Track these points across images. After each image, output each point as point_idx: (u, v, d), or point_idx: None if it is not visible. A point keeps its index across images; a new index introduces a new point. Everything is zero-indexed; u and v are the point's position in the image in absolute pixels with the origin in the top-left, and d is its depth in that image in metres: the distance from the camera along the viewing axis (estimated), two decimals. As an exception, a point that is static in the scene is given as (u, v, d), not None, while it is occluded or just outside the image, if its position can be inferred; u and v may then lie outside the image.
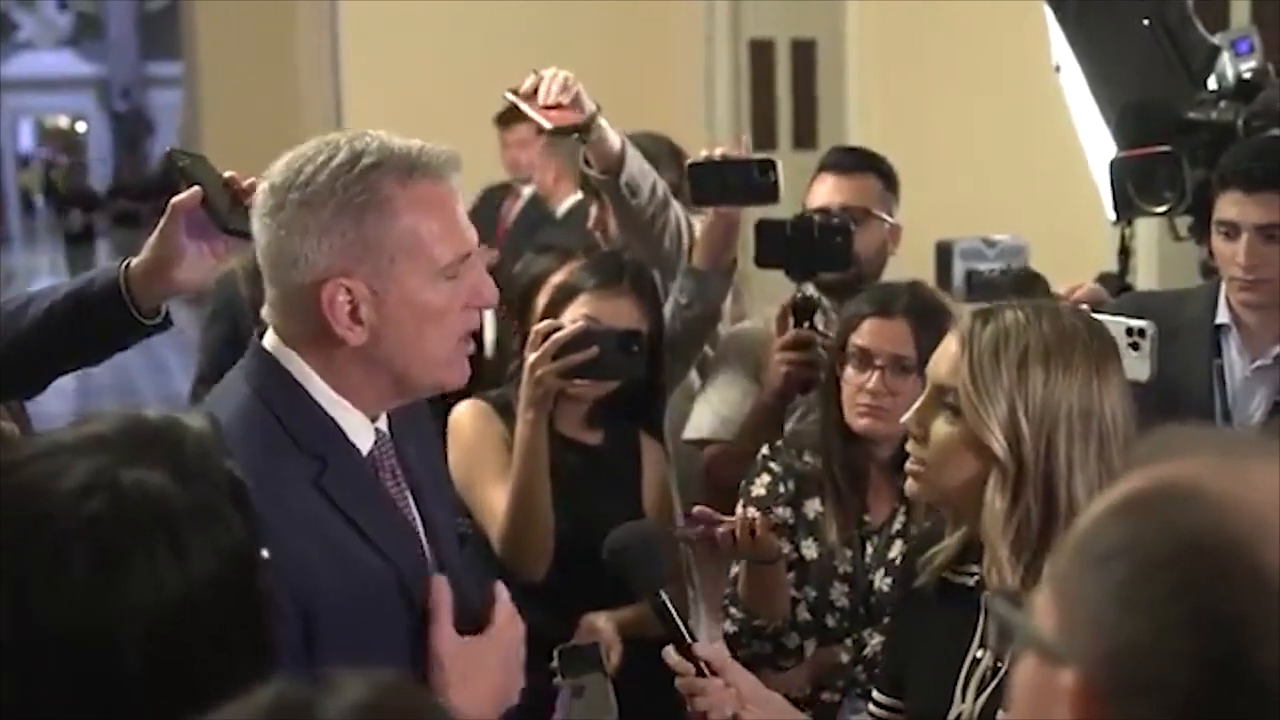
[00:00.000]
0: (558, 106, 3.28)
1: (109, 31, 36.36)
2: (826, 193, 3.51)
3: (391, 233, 1.98)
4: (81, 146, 37.77)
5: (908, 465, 2.22)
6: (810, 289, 3.31)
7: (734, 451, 3.34)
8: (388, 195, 1.98)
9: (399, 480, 2.13)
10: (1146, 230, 4.76)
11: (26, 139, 39.88)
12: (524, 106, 3.32)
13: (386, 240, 1.98)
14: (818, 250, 3.31)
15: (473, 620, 2.14)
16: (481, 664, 2.03)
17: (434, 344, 2.04)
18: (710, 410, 3.52)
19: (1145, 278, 5.02)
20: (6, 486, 1.26)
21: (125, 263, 2.54)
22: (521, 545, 3.00)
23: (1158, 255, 5.23)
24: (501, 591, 2.12)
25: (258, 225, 2.04)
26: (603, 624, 2.97)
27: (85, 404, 10.52)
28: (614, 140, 3.38)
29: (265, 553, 1.33)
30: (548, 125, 3.32)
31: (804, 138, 8.31)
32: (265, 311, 2.09)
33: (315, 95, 8.91)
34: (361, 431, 2.07)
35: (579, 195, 5.29)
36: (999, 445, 2.08)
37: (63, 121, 39.41)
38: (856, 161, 3.60)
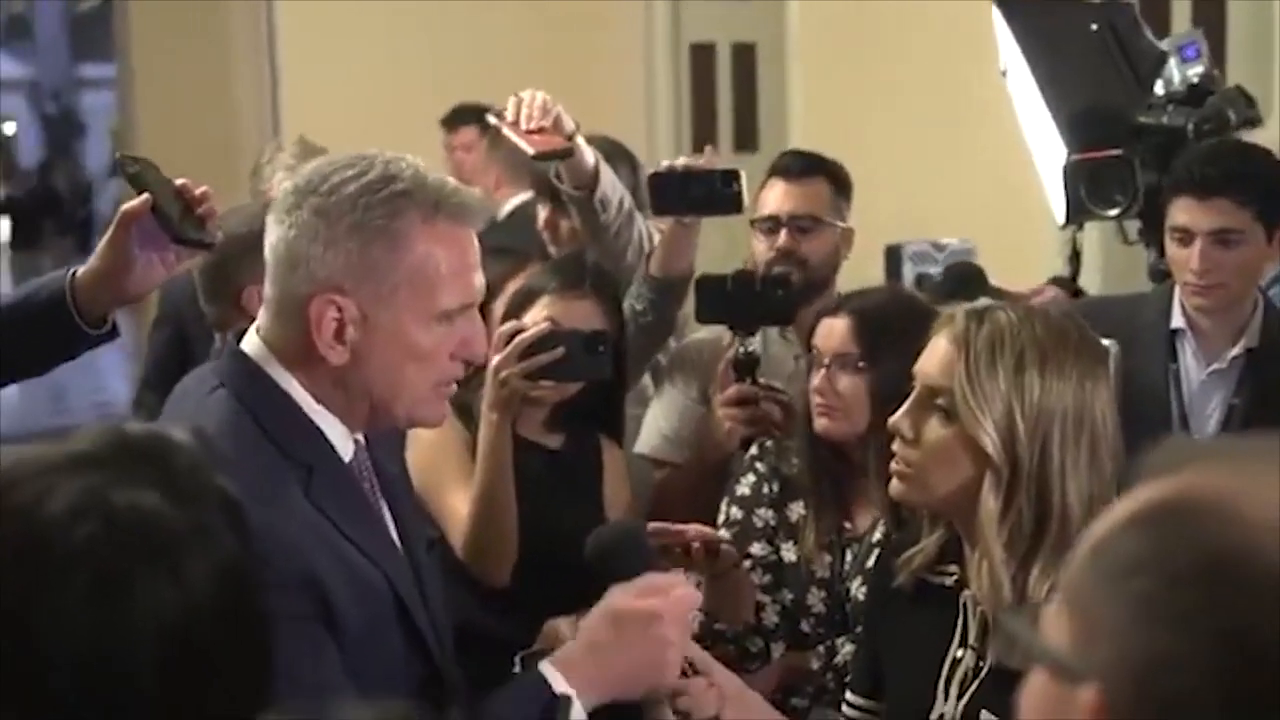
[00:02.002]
0: (539, 130, 3.27)
1: (38, 32, 35.96)
2: (776, 199, 3.51)
3: (399, 264, 1.96)
4: (10, 149, 37.33)
5: (893, 466, 2.21)
6: (752, 344, 3.28)
7: (680, 486, 3.35)
8: (406, 226, 1.96)
9: (375, 489, 2.12)
10: (1094, 234, 4.79)
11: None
12: (508, 132, 3.33)
13: (391, 269, 1.96)
14: (760, 303, 3.27)
15: (442, 631, 2.13)
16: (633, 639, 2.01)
17: (412, 382, 2.02)
18: (656, 427, 3.52)
19: (1090, 281, 5.06)
20: None
21: (72, 271, 2.50)
22: (485, 549, 2.98)
23: (1104, 259, 5.27)
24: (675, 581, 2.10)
25: (272, 221, 2.02)
26: (565, 629, 2.96)
27: (24, 407, 10.40)
28: (590, 159, 3.41)
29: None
30: (531, 151, 3.32)
31: (745, 141, 8.31)
32: (260, 313, 2.06)
33: (252, 97, 8.82)
34: (342, 440, 2.06)
35: (522, 196, 5.29)
36: (994, 447, 2.09)
37: (-10, 124, 38.96)
38: (806, 166, 3.60)
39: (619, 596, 2.05)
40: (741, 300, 3.26)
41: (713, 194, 3.29)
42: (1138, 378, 3.28)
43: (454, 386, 2.09)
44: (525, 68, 8.07)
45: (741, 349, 3.26)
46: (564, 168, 3.42)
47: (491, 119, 3.40)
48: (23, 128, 36.42)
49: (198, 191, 2.43)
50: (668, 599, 2.04)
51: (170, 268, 2.49)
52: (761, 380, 3.24)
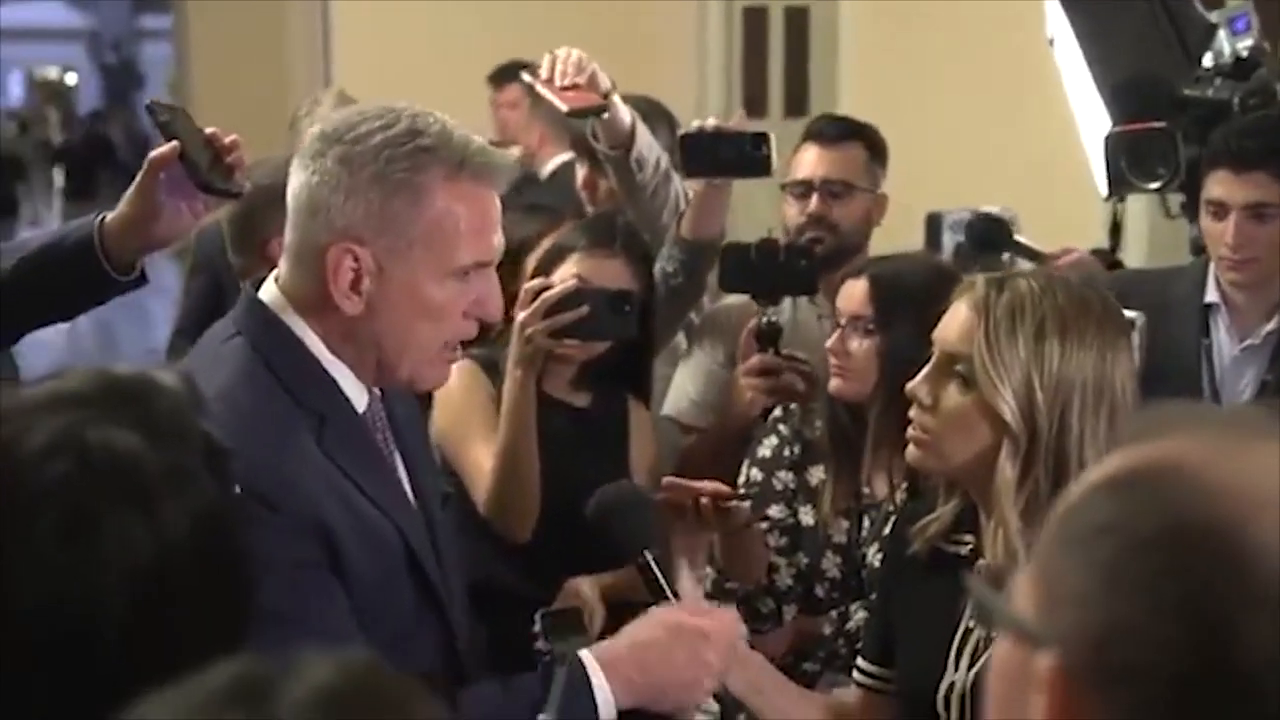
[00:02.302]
0: (574, 87, 3.26)
1: (99, -17, 36.14)
2: (810, 163, 3.49)
3: (418, 218, 1.96)
4: (71, 99, 37.55)
5: (910, 432, 2.20)
6: (775, 314, 3.26)
7: (704, 451, 3.33)
8: (428, 181, 1.96)
9: (389, 442, 2.13)
10: (1138, 207, 4.75)
11: (17, 90, 39.60)
12: (541, 89, 3.32)
13: (411, 223, 1.96)
14: (783, 273, 3.25)
15: (454, 583, 2.14)
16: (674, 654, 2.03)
17: (423, 339, 2.02)
18: (683, 391, 3.51)
19: (1136, 255, 5.01)
20: None
21: (101, 217, 2.51)
22: (507, 506, 2.98)
23: (1149, 232, 5.22)
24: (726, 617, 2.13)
25: (297, 166, 2.01)
26: (586, 588, 2.96)
27: (73, 358, 10.48)
28: (626, 117, 3.38)
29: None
30: (565, 108, 3.31)
31: (795, 105, 8.27)
32: (281, 260, 2.06)
33: (304, 51, 8.84)
34: (356, 391, 2.06)
35: (564, 156, 5.27)
36: (1012, 416, 2.08)
37: (52, 73, 39.14)
38: (841, 131, 3.57)
39: (674, 610, 2.08)
40: (765, 269, 3.24)
41: (742, 156, 3.27)
42: (1170, 352, 3.25)
43: (459, 350, 2.09)
44: (576, 28, 8.05)
45: (764, 318, 3.24)
46: (600, 126, 3.40)
47: (526, 76, 3.39)
48: (83, 78, 36.63)
49: (227, 140, 2.43)
50: (720, 626, 2.07)
51: (198, 215, 2.50)
52: (785, 351, 3.22)
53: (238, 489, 1.72)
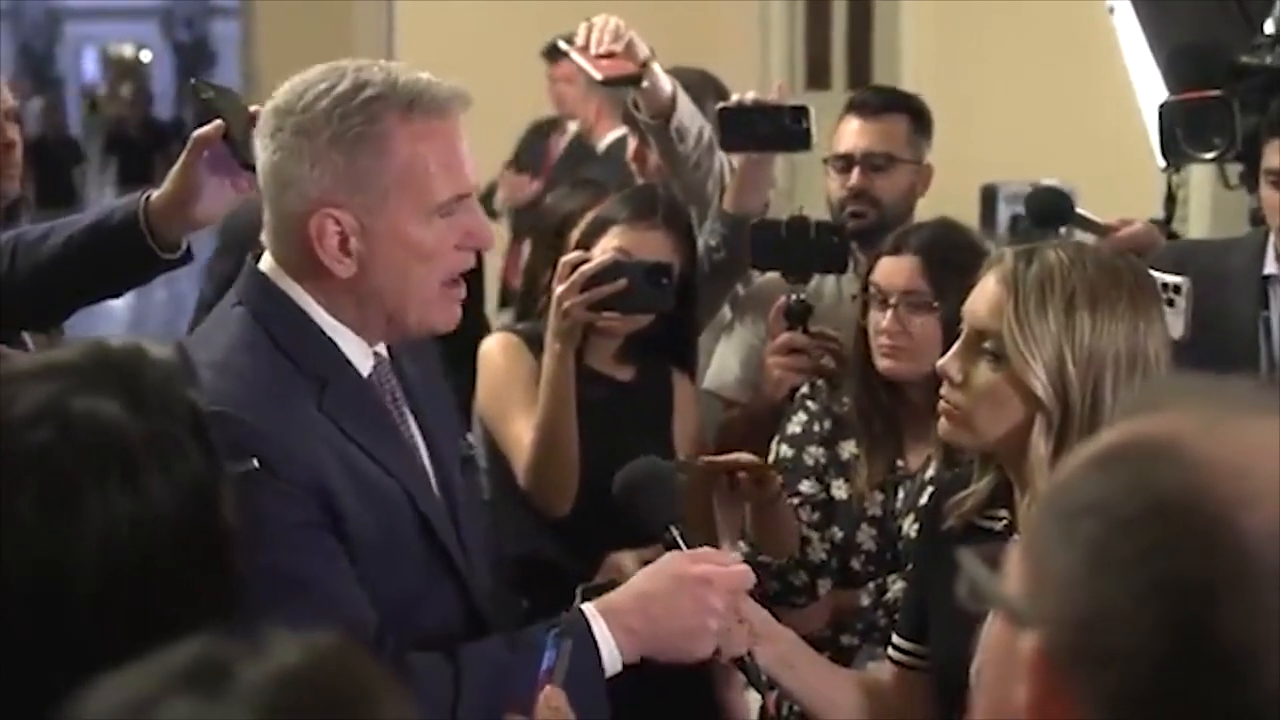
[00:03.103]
0: (610, 55, 3.23)
1: (172, -39, 36.42)
2: (850, 136, 3.44)
3: (386, 168, 1.96)
4: (145, 76, 37.89)
5: (941, 406, 2.16)
6: (804, 292, 3.22)
7: (740, 427, 3.29)
8: (386, 128, 1.95)
9: (400, 405, 2.12)
10: (1200, 177, 4.67)
11: (91, 68, 39.99)
12: (576, 57, 3.29)
13: (380, 174, 1.96)
14: (814, 251, 3.19)
15: (472, 545, 2.14)
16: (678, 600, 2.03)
17: (422, 282, 2.01)
18: (725, 365, 3.48)
19: (1198, 226, 4.94)
20: None
21: (146, 195, 2.53)
22: (546, 479, 2.98)
23: (1211, 203, 5.14)
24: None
25: (258, 145, 2.02)
26: (628, 562, 2.94)
27: (135, 326, 10.55)
28: (665, 86, 3.35)
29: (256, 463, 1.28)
30: (599, 76, 3.29)
31: (859, 78, 8.21)
32: (263, 236, 2.07)
33: (368, 28, 8.90)
34: (360, 354, 2.06)
35: (620, 130, 5.25)
36: (1044, 390, 2.04)
37: (127, 51, 39.49)
38: (884, 102, 3.53)
39: (678, 558, 2.07)
40: (795, 247, 3.19)
41: (781, 130, 3.23)
42: (1226, 323, 3.19)
43: (461, 287, 2.07)
44: (639, 5, 8.03)
45: (794, 296, 3.20)
46: (640, 96, 3.37)
47: (562, 43, 3.36)
48: (156, 55, 36.94)
49: None
50: (724, 570, 2.05)
51: (242, 192, 2.51)
52: (813, 328, 3.18)
53: (255, 464, 1.72)
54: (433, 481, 2.11)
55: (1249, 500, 0.87)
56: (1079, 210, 3.82)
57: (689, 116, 3.40)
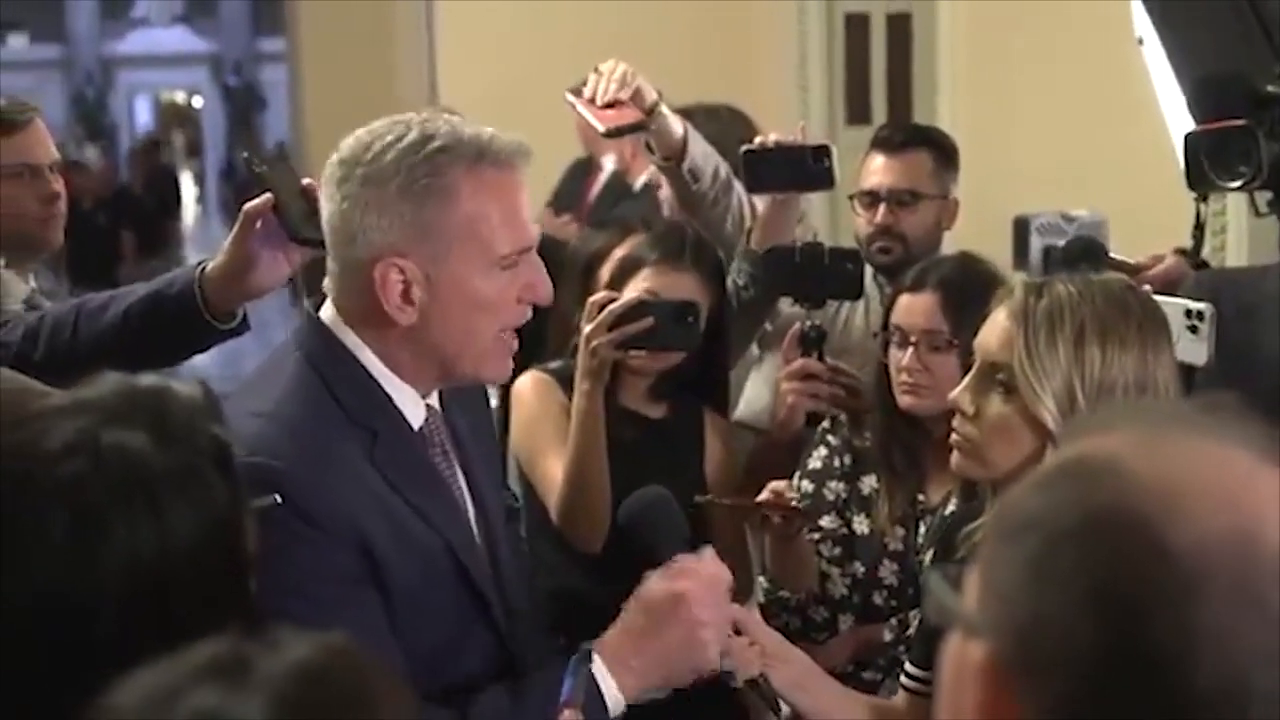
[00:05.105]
0: (614, 104, 3.26)
1: (221, 8, 36.80)
2: (876, 172, 3.48)
3: (452, 219, 1.99)
4: (197, 122, 38.24)
5: (953, 439, 2.20)
6: (818, 319, 3.25)
7: (766, 456, 3.32)
8: (452, 181, 1.98)
9: (449, 457, 2.16)
10: (1236, 205, 4.68)
11: (145, 116, 40.39)
12: (581, 109, 3.31)
13: (446, 226, 1.99)
14: (828, 277, 3.23)
15: (512, 595, 2.17)
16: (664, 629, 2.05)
17: (480, 333, 2.05)
18: (756, 395, 3.51)
19: (1236, 254, 4.94)
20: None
21: (201, 266, 2.57)
22: (578, 516, 3.01)
23: (1249, 231, 5.14)
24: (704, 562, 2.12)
25: (323, 195, 2.06)
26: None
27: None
28: (675, 129, 3.38)
29: (278, 499, 1.32)
30: (602, 129, 3.32)
31: (899, 111, 8.24)
32: (325, 283, 2.11)
33: (411, 72, 9.00)
34: (412, 406, 2.09)
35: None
36: (1055, 422, 2.06)
37: (179, 97, 39.87)
38: (906, 137, 3.56)
39: (652, 584, 2.09)
40: (809, 273, 3.23)
41: (804, 170, 3.27)
42: (1259, 352, 3.18)
43: (515, 340, 2.11)
44: (676, 41, 8.08)
45: (809, 323, 3.23)
46: (653, 138, 3.41)
47: (568, 95, 3.39)
48: (208, 102, 37.24)
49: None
50: (696, 580, 2.07)
51: (294, 265, 2.55)
52: (830, 361, 3.21)
53: (278, 499, 1.76)
54: (475, 533, 2.14)
55: (1179, 515, 0.91)
56: (1112, 255, 3.85)
57: (702, 157, 3.43)
